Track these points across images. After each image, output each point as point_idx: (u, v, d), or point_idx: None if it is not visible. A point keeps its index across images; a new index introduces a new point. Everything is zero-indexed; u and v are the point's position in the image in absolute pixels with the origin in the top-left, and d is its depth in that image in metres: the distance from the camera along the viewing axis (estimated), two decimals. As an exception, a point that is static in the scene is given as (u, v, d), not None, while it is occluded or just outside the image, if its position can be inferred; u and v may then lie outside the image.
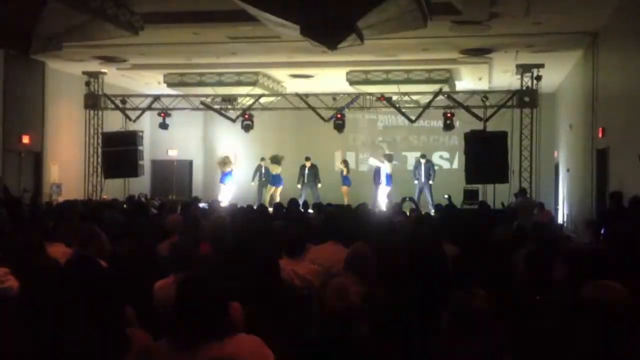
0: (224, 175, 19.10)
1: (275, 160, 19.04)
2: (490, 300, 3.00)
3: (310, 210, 12.23)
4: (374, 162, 18.85)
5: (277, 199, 17.55)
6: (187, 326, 2.85)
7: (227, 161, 19.15)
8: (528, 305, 4.11)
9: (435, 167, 18.94)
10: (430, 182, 18.02)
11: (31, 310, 3.29)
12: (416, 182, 18.12)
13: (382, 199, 17.73)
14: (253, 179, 19.17)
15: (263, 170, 19.05)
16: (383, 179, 18.10)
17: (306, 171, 18.62)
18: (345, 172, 18.70)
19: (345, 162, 19.06)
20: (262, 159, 19.17)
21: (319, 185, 18.56)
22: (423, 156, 18.52)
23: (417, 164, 18.51)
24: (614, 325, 3.09)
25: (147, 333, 3.33)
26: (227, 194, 18.52)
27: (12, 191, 13.53)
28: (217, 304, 2.92)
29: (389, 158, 18.58)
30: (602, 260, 4.26)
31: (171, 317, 2.98)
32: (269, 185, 19.08)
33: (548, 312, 3.86)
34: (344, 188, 18.49)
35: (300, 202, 14.07)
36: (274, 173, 19.01)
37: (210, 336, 2.84)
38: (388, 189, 18.01)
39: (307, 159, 18.74)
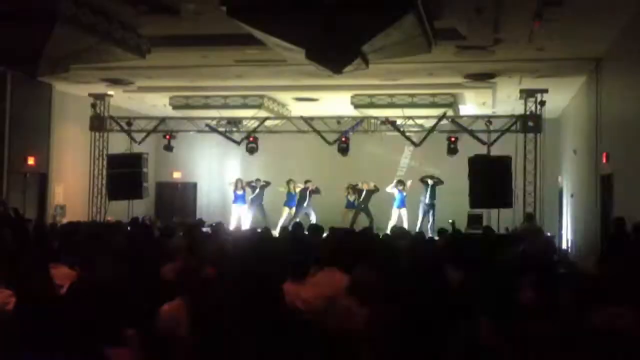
0: (237, 197, 18.85)
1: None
2: (494, 328, 2.98)
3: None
4: (390, 189, 18.45)
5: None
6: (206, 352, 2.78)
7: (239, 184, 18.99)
8: (534, 332, 4.08)
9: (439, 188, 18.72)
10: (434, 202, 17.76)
11: (26, 334, 3.26)
12: (427, 200, 17.71)
13: (403, 221, 17.47)
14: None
15: (257, 192, 18.69)
16: (398, 202, 17.95)
17: (307, 193, 18.43)
18: (352, 198, 18.56)
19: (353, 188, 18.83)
20: (258, 180, 18.90)
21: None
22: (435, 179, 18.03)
23: (429, 186, 17.87)
24: (626, 352, 3.07)
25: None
26: (244, 217, 18.39)
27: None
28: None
29: (402, 183, 18.32)
30: (606, 286, 4.24)
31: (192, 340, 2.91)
32: (291, 206, 18.61)
33: (555, 338, 3.83)
34: (347, 211, 18.39)
35: (309, 222, 13.99)
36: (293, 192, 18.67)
37: None
38: (404, 211, 17.87)
39: (308, 181, 18.55)
